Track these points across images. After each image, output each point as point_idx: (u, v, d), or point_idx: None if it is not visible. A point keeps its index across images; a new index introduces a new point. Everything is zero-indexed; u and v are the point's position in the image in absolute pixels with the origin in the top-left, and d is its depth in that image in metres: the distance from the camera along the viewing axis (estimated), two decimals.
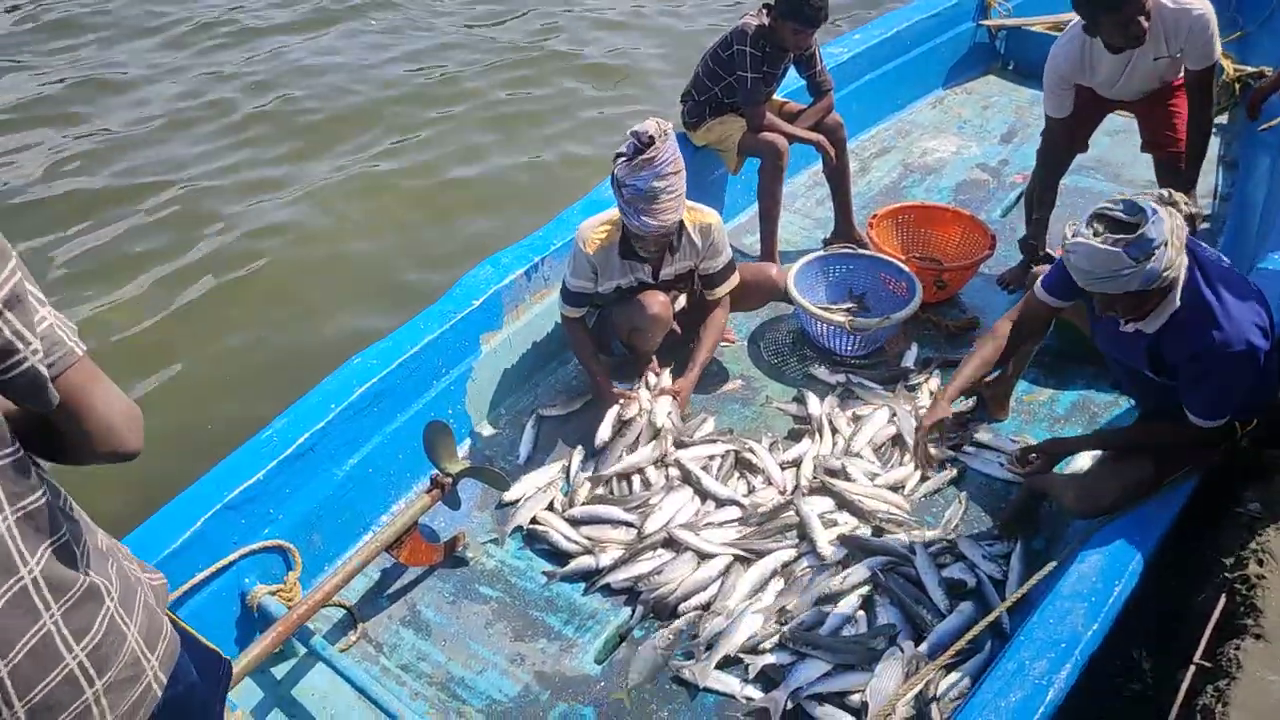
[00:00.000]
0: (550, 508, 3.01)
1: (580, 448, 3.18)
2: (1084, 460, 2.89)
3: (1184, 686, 2.14)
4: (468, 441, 3.26)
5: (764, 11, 3.68)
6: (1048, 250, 3.75)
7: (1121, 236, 2.15)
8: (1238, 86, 4.81)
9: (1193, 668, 2.17)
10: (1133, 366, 2.55)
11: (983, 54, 5.56)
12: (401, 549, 2.64)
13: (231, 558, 2.52)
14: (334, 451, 2.82)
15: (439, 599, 2.77)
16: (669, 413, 3.18)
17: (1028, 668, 2.06)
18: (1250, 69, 4.80)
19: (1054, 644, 2.10)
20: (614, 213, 3.05)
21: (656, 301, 3.13)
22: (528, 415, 3.36)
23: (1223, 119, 4.85)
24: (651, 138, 2.79)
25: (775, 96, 3.97)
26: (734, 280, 3.29)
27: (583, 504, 2.97)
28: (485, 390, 3.34)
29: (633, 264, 3.12)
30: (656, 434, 3.14)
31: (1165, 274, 2.18)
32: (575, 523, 2.93)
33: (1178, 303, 2.31)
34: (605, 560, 2.78)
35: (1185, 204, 2.26)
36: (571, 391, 3.47)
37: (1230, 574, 2.34)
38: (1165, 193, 2.26)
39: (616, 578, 2.75)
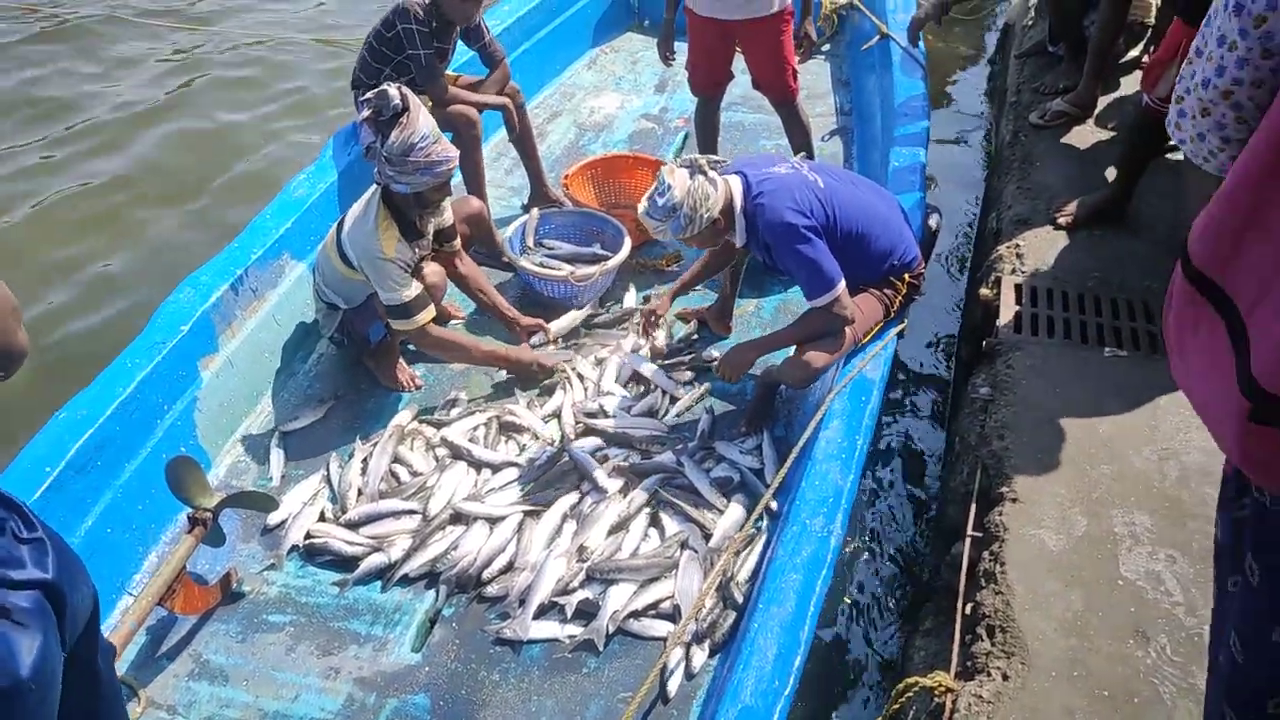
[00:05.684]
0: (322, 519, 2.89)
1: (335, 454, 3.08)
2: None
3: (964, 558, 2.44)
4: (211, 475, 3.01)
5: None
6: None
7: (648, 204, 2.77)
8: (836, 18, 5.56)
9: (968, 540, 2.48)
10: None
11: (621, 12, 5.93)
12: (174, 599, 2.42)
13: None
14: (62, 518, 2.50)
15: (226, 641, 2.58)
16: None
17: (807, 526, 2.35)
18: (842, 0, 5.55)
19: (823, 500, 2.41)
20: (374, 213, 3.00)
21: (432, 272, 3.18)
22: (269, 435, 3.18)
23: (827, 46, 5.59)
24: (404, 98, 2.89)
25: (448, 71, 3.99)
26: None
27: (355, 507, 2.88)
28: (216, 419, 3.10)
29: (415, 244, 3.09)
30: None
31: (697, 217, 2.73)
32: (354, 525, 2.84)
33: (743, 219, 2.83)
34: (396, 553, 2.73)
35: (708, 163, 2.79)
36: (309, 401, 3.32)
37: (979, 452, 2.72)
38: (691, 159, 2.78)
39: (412, 566, 2.71)
